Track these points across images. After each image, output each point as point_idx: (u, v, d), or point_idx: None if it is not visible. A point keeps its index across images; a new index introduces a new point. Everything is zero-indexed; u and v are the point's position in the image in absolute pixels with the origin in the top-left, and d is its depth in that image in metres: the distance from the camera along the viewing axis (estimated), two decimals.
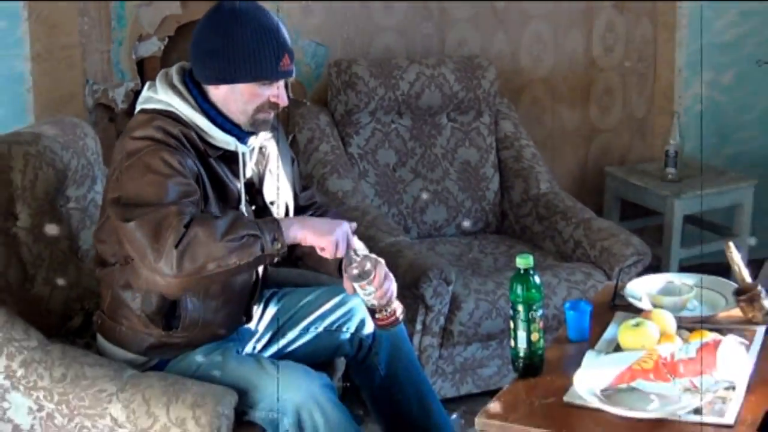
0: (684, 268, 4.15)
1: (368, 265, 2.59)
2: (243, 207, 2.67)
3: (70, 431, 2.58)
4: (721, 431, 2.17)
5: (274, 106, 2.61)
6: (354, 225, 2.68)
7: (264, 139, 2.74)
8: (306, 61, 4.02)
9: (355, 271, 2.58)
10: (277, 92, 2.60)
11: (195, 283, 2.48)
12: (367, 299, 2.62)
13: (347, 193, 3.67)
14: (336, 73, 3.90)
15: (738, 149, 4.74)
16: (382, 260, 2.64)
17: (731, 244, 2.70)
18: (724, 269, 3.78)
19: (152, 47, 3.85)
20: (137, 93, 3.77)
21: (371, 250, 3.40)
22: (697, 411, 2.22)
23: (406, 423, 2.89)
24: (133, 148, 2.53)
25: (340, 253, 2.53)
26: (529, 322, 2.43)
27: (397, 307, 2.67)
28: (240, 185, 2.67)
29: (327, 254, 2.54)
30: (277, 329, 2.87)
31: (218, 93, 2.60)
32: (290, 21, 3.96)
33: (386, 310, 2.65)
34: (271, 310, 2.90)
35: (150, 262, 2.40)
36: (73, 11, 3.69)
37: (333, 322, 2.87)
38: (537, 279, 2.45)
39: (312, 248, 2.67)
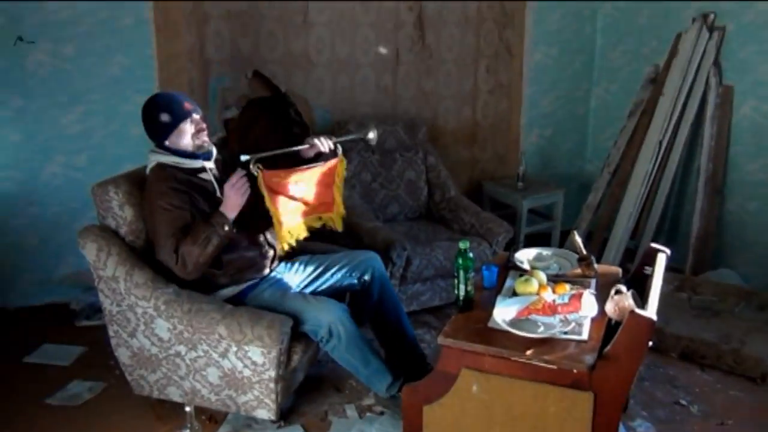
0: (527, 237, 4.06)
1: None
2: (218, 193, 2.49)
3: (193, 341, 2.42)
4: (580, 345, 2.09)
5: (200, 130, 2.42)
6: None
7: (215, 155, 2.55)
8: (319, 123, 3.80)
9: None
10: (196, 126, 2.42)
11: (202, 269, 2.40)
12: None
13: (344, 196, 3.45)
14: (336, 128, 3.68)
15: (555, 171, 4.64)
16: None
17: (575, 231, 2.58)
18: (548, 238, 3.62)
19: (232, 112, 3.67)
20: (222, 139, 3.54)
21: (359, 230, 3.22)
22: (566, 333, 2.13)
23: (387, 325, 2.81)
24: (152, 195, 2.39)
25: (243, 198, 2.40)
26: (466, 279, 2.30)
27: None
28: (214, 183, 2.50)
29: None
30: (315, 277, 2.68)
31: (169, 143, 2.43)
32: (311, 99, 3.75)
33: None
34: (309, 267, 2.71)
35: (173, 271, 2.39)
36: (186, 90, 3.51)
37: (347, 271, 2.72)
38: (471, 254, 2.33)
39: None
